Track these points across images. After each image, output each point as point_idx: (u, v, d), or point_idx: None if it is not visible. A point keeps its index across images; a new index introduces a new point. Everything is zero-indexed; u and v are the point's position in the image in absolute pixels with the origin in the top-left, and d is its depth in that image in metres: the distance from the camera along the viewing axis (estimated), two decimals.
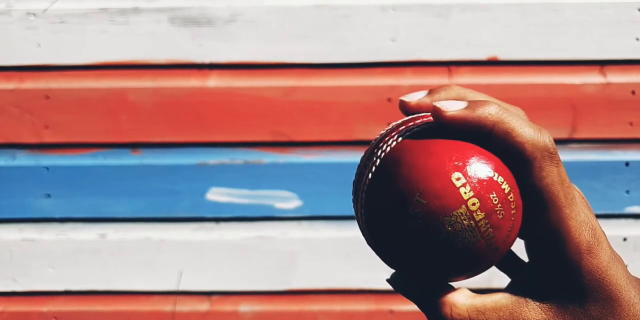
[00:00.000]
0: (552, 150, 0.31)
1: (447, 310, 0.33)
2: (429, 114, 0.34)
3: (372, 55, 1.05)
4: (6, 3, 1.05)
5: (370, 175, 0.33)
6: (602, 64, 1.06)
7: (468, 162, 0.31)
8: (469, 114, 0.31)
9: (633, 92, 1.06)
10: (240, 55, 1.06)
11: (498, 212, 0.31)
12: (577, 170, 1.07)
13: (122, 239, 1.10)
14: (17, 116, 1.07)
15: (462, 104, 0.32)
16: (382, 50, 1.05)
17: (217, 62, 1.06)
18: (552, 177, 0.31)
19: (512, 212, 0.31)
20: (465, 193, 0.30)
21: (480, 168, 0.31)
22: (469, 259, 0.31)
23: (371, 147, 0.34)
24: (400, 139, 0.33)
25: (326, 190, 1.06)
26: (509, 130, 0.31)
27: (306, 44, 1.05)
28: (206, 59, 1.06)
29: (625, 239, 1.08)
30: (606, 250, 0.33)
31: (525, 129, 0.31)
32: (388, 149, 0.33)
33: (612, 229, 1.08)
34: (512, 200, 0.31)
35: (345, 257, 1.09)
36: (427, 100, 0.34)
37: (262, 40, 1.05)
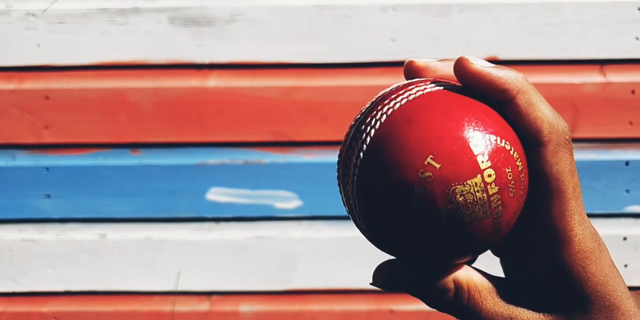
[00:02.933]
0: (568, 136, 0.29)
1: (450, 285, 0.30)
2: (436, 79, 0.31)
3: (372, 55, 1.05)
4: (5, 3, 1.05)
5: (372, 132, 0.29)
6: (601, 64, 1.06)
7: (487, 129, 0.28)
8: (496, 73, 0.29)
9: (633, 92, 1.06)
10: (240, 55, 1.06)
11: (510, 189, 0.28)
12: (577, 170, 1.06)
13: (122, 239, 1.10)
14: (17, 116, 1.07)
15: (488, 63, 0.30)
16: (382, 50, 1.05)
17: (217, 62, 1.06)
18: (564, 164, 0.29)
19: (521, 193, 0.29)
20: (482, 162, 0.27)
21: (500, 139, 0.28)
22: (471, 236, 0.28)
23: (372, 104, 0.30)
24: (411, 97, 0.29)
25: (326, 190, 1.06)
26: (531, 103, 0.29)
27: (306, 44, 1.05)
28: (206, 59, 1.06)
29: (625, 239, 1.08)
30: (607, 255, 0.31)
31: (547, 107, 0.29)
32: (397, 105, 0.29)
33: (612, 229, 1.08)
34: (523, 180, 0.28)
35: (345, 257, 1.09)
36: (438, 64, 0.31)
37: (262, 40, 1.05)
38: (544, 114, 0.29)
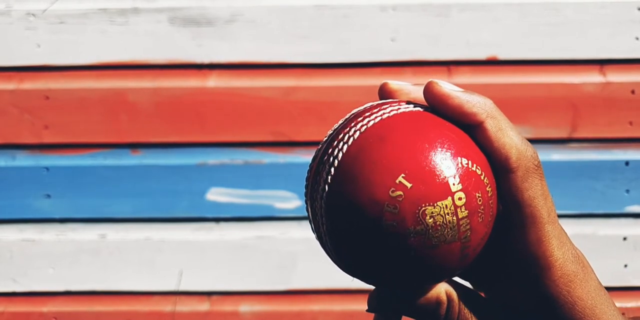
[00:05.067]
0: (537, 162, 0.29)
1: (443, 296, 0.30)
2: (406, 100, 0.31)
3: (372, 55, 1.05)
4: (5, 3, 1.05)
5: (345, 148, 0.28)
6: (601, 64, 1.06)
7: (460, 152, 0.28)
8: (465, 97, 0.29)
9: (633, 92, 1.06)
10: (240, 55, 1.06)
11: (480, 214, 0.27)
12: (577, 170, 1.07)
13: (122, 239, 1.10)
14: (16, 116, 1.07)
15: (458, 88, 0.29)
16: (382, 50, 1.05)
17: (217, 62, 1.06)
18: (535, 190, 0.29)
19: (489, 219, 0.28)
20: (454, 184, 0.27)
21: (471, 163, 0.28)
22: (437, 260, 0.27)
23: (345, 121, 0.30)
24: (385, 115, 0.29)
25: None
26: (500, 128, 0.29)
27: (306, 44, 1.05)
28: (206, 59, 1.06)
29: (625, 239, 1.08)
30: (593, 277, 0.30)
31: (515, 134, 0.29)
32: (371, 123, 0.29)
33: (612, 229, 1.08)
34: (492, 205, 0.28)
35: None
36: (411, 88, 0.31)
37: (262, 40, 1.05)
38: (512, 140, 0.29)
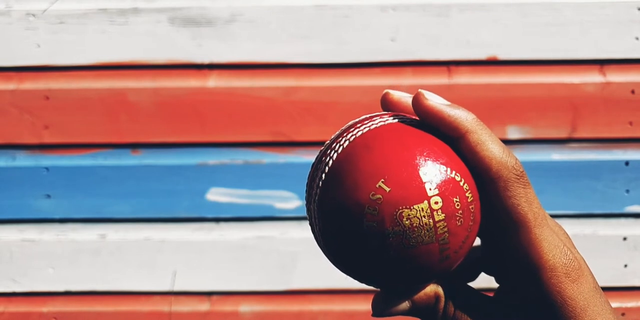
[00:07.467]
0: (518, 171, 0.31)
1: (440, 290, 0.32)
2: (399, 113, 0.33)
3: (372, 55, 1.05)
4: (5, 3, 1.05)
5: (335, 155, 0.32)
6: (601, 64, 1.06)
7: (438, 160, 0.30)
8: (447, 110, 0.31)
9: (633, 92, 1.06)
10: (240, 55, 1.06)
11: (458, 218, 0.29)
12: (577, 170, 1.07)
13: (122, 239, 1.10)
14: (17, 116, 1.07)
15: (444, 101, 0.31)
16: (382, 50, 1.05)
17: (217, 62, 1.06)
18: (519, 197, 0.30)
19: (470, 223, 0.30)
20: (430, 189, 0.29)
21: (450, 170, 0.30)
22: (417, 260, 0.29)
23: (340, 131, 0.33)
24: (373, 126, 0.32)
25: None
26: (479, 142, 0.30)
27: (306, 44, 1.05)
28: (206, 59, 1.06)
29: (625, 239, 1.08)
30: (589, 279, 0.31)
31: (495, 146, 0.31)
32: (360, 133, 0.32)
33: (612, 229, 1.08)
34: (472, 211, 0.30)
35: None
36: (409, 101, 0.34)
37: (262, 40, 1.05)
38: (492, 153, 0.30)
